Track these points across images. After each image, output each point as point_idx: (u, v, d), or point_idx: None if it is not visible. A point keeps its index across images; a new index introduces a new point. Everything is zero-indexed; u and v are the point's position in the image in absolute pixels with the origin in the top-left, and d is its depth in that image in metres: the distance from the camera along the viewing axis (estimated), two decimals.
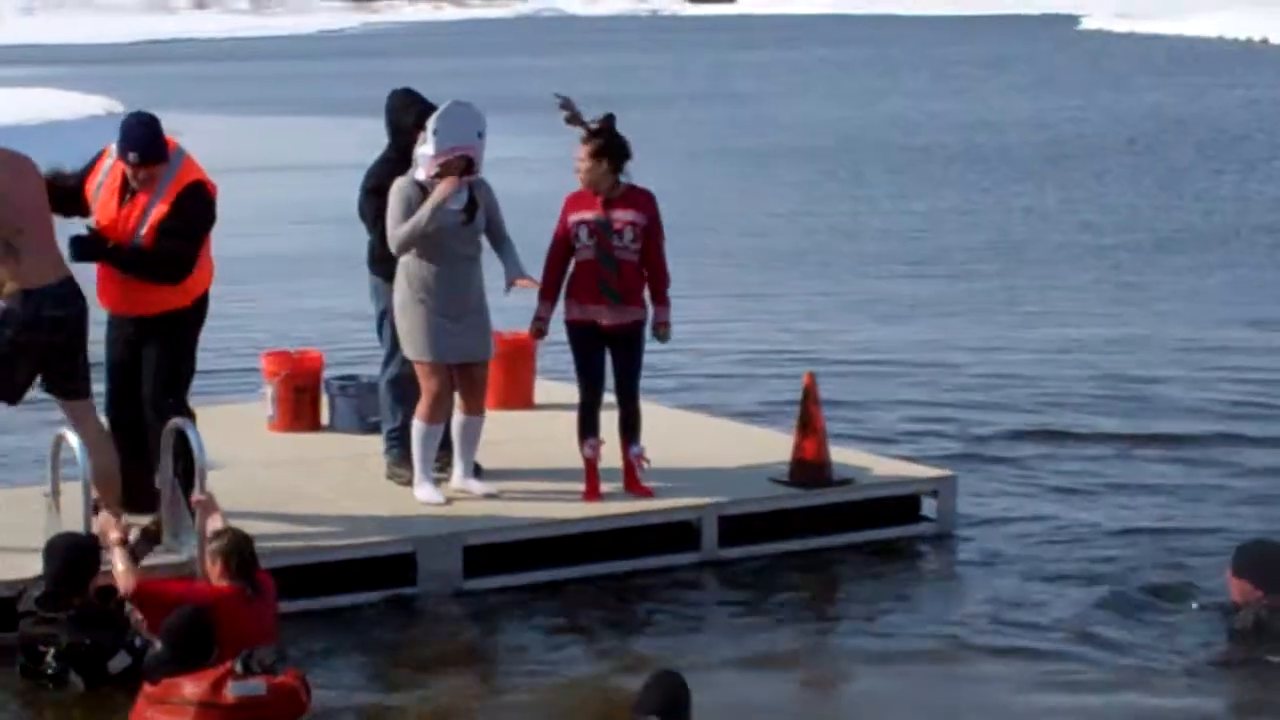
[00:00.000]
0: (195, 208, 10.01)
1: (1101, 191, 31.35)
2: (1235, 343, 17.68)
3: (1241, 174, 33.55)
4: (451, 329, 10.61)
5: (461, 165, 10.55)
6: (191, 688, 7.97)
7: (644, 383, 11.12)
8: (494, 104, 11.78)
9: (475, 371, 10.82)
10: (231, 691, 7.93)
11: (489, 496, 10.80)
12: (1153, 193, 30.77)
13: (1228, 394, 15.42)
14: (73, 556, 9.00)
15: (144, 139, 10.07)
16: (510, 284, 10.76)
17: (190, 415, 9.98)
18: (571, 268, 10.79)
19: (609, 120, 10.76)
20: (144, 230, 9.99)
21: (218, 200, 10.22)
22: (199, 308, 10.21)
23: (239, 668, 8.03)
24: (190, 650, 8.22)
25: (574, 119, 10.73)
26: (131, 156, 9.99)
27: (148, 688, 8.08)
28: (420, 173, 10.60)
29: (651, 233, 10.77)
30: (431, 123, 10.52)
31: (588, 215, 10.72)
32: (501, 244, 10.79)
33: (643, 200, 10.79)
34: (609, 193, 10.72)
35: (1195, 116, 46.41)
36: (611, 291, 10.70)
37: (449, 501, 10.70)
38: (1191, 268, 22.78)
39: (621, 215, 10.72)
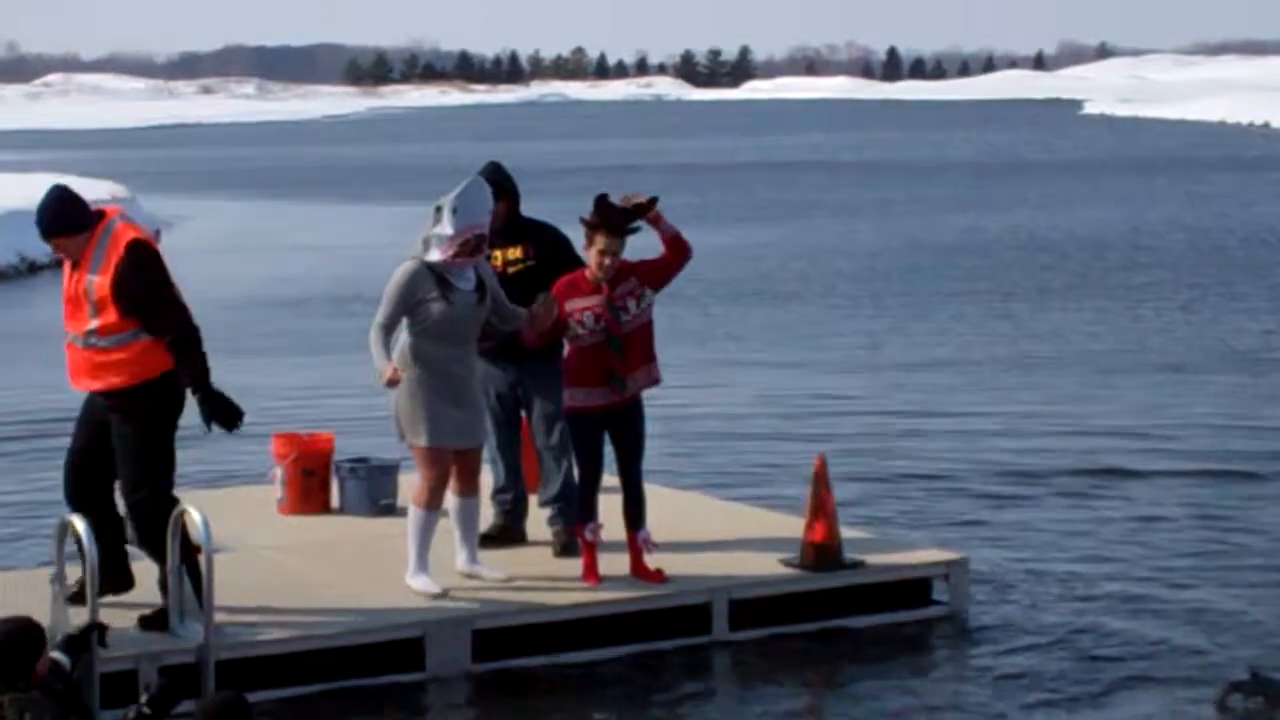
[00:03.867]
0: (145, 264, 9.83)
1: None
2: None
3: None
4: (454, 414, 10.49)
5: (475, 245, 10.48)
6: None
7: (649, 463, 11.03)
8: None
9: (473, 455, 10.71)
10: None
11: (500, 580, 10.70)
12: None
13: None
14: (13, 640, 8.90)
15: (49, 214, 9.95)
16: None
17: (167, 509, 9.75)
18: (570, 356, 10.68)
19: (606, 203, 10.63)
20: (94, 300, 9.87)
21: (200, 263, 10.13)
22: (166, 387, 9.82)
23: None
24: None
25: (638, 210, 10.56)
26: (41, 234, 9.95)
27: None
28: (435, 254, 10.44)
29: (642, 273, 10.66)
30: (450, 201, 10.38)
31: (592, 301, 10.60)
32: (511, 319, 10.70)
33: (622, 268, 10.65)
34: (609, 274, 10.65)
35: None
36: (619, 377, 10.62)
37: (445, 592, 10.51)
38: None
39: (623, 289, 10.64)
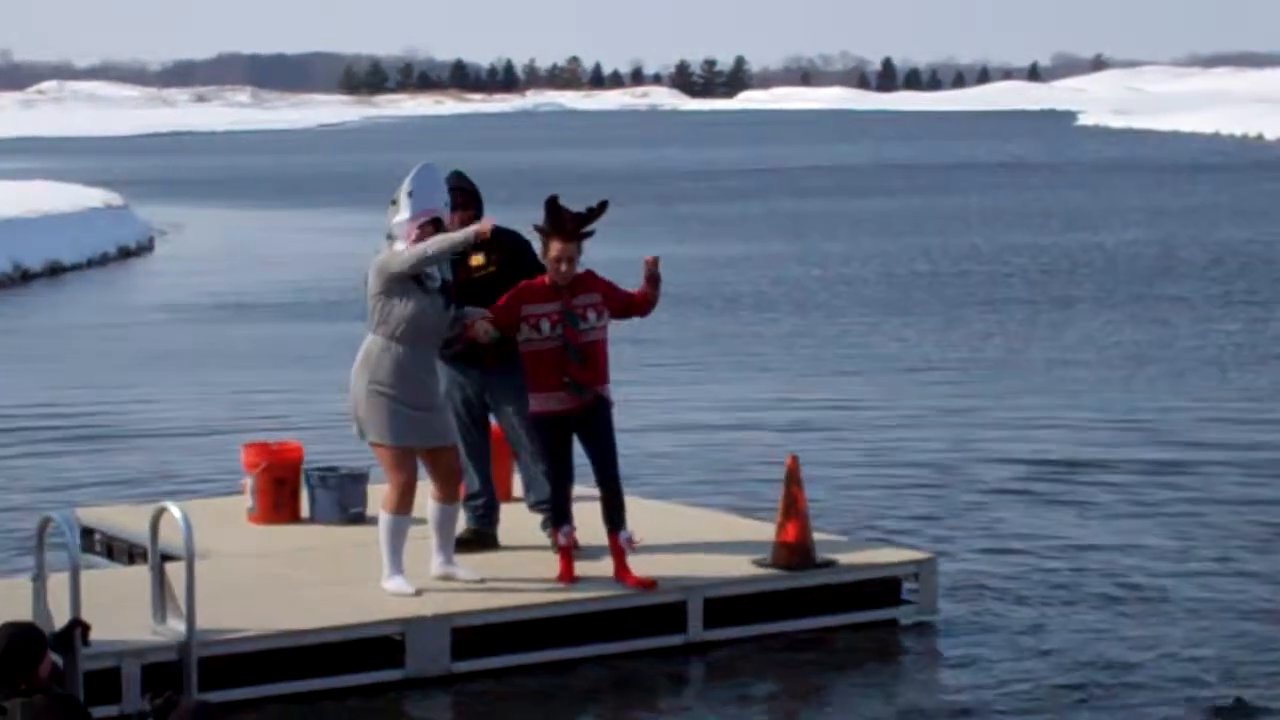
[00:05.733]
0: None
1: None
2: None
3: None
4: (417, 416, 10.55)
5: (432, 230, 10.54)
6: None
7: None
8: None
9: (445, 456, 10.76)
10: None
11: (476, 582, 10.82)
12: None
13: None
14: (15, 643, 9.04)
15: None
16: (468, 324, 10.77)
17: None
18: (527, 361, 10.72)
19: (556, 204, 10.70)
20: None
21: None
22: None
23: None
24: None
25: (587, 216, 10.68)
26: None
27: None
28: (401, 243, 10.54)
29: (609, 295, 10.77)
30: (406, 185, 10.51)
31: (550, 308, 10.64)
32: (454, 322, 10.76)
33: (587, 279, 10.76)
34: (566, 279, 10.70)
35: None
36: (574, 384, 10.65)
37: (419, 593, 10.62)
38: None
39: (584, 299, 10.70)
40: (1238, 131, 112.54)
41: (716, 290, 31.42)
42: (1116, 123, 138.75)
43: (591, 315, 10.70)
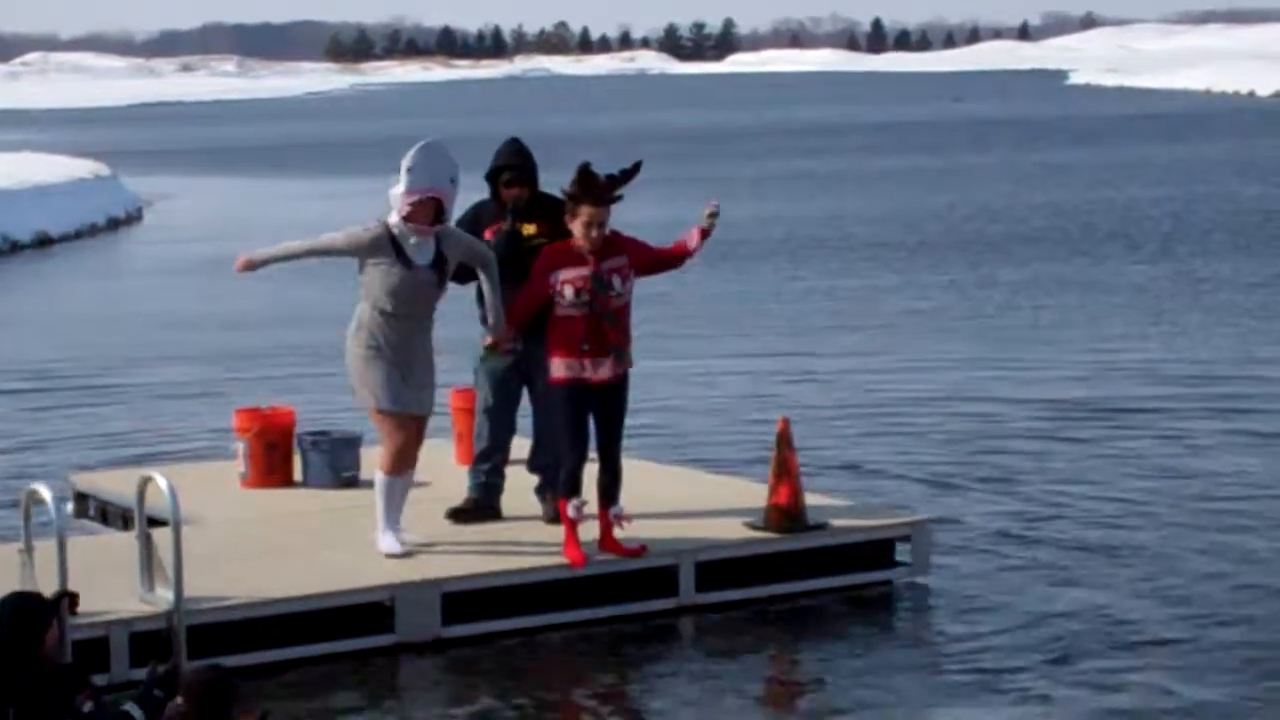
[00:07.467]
0: None
1: None
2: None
3: None
4: (409, 381, 10.57)
5: (432, 211, 10.55)
6: None
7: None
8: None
9: (419, 426, 10.78)
10: None
11: (417, 544, 10.71)
12: None
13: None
14: (21, 614, 8.98)
15: None
16: (488, 344, 10.82)
17: None
18: (554, 325, 10.59)
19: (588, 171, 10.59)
20: None
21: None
22: None
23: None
24: (211, 707, 8.07)
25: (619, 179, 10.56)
26: None
27: None
28: (393, 215, 10.55)
29: (636, 254, 10.68)
30: (406, 161, 10.51)
31: (578, 273, 10.52)
32: (493, 292, 10.76)
33: (614, 242, 10.70)
34: (597, 245, 10.59)
35: None
36: (614, 347, 10.57)
37: (410, 552, 10.63)
38: None
39: (611, 263, 10.61)
40: (1230, 88, 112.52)
41: (717, 249, 31.33)
42: (1108, 81, 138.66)
43: (617, 281, 10.58)
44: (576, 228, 10.54)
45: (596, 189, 10.50)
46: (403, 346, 10.56)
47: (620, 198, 10.60)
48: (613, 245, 10.61)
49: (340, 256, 10.79)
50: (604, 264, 10.55)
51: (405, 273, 10.52)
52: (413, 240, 10.54)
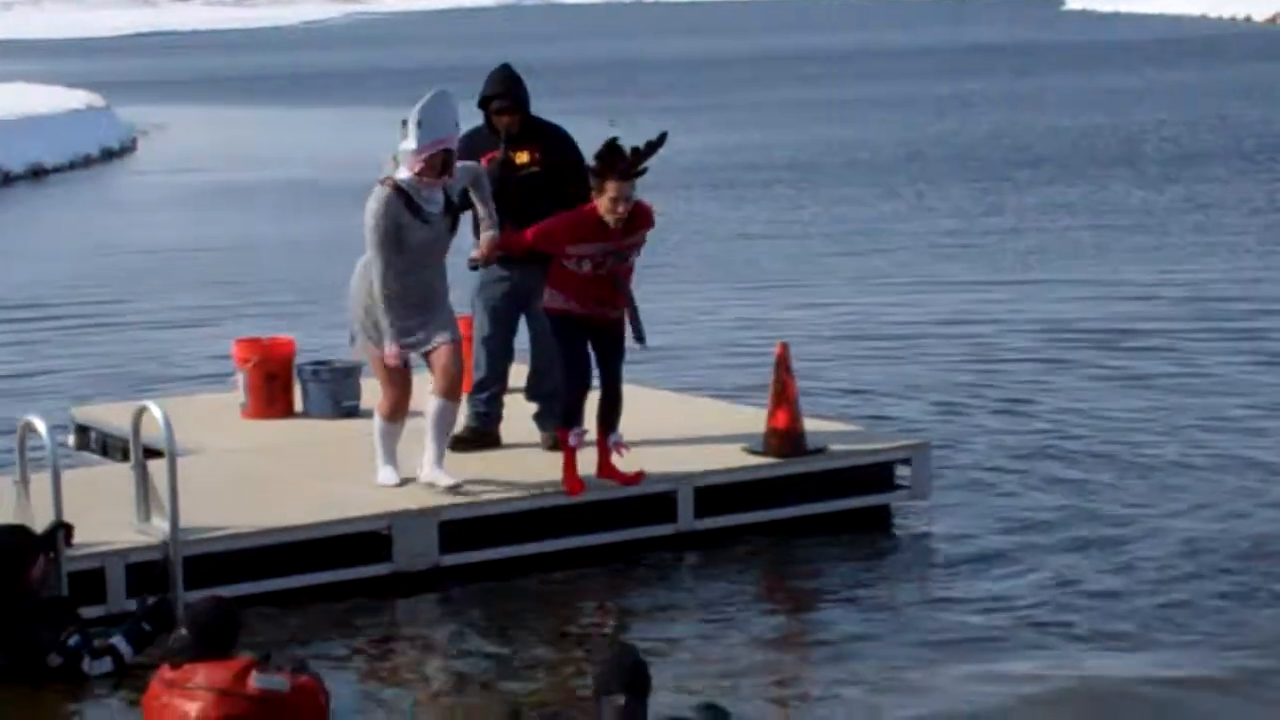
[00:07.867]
0: None
1: None
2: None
3: None
4: (410, 327, 10.38)
5: (442, 161, 10.33)
6: (213, 674, 7.80)
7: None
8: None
9: (441, 355, 10.47)
10: (255, 682, 7.78)
11: (453, 489, 10.49)
12: None
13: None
14: (5, 547, 8.93)
15: None
16: (474, 257, 10.72)
17: None
18: (560, 270, 10.39)
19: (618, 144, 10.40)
20: None
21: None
22: None
23: (264, 660, 7.90)
24: (215, 639, 8.04)
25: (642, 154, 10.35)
26: None
27: (165, 671, 7.92)
28: (404, 171, 10.33)
29: (647, 221, 10.57)
30: (414, 114, 10.25)
31: (597, 248, 10.33)
32: (484, 204, 10.65)
33: (639, 216, 10.47)
34: (621, 220, 10.38)
35: None
36: (614, 306, 10.49)
37: (404, 482, 10.55)
38: None
39: (634, 239, 10.45)
40: (1225, 13, 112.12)
41: (711, 175, 31.26)
42: (1104, 6, 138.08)
43: (634, 254, 10.50)
44: (603, 203, 10.31)
45: (623, 164, 10.28)
46: (410, 294, 10.35)
47: (645, 170, 10.38)
48: (637, 220, 10.44)
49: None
50: (627, 239, 10.42)
51: (421, 226, 10.34)
52: (424, 194, 10.37)
